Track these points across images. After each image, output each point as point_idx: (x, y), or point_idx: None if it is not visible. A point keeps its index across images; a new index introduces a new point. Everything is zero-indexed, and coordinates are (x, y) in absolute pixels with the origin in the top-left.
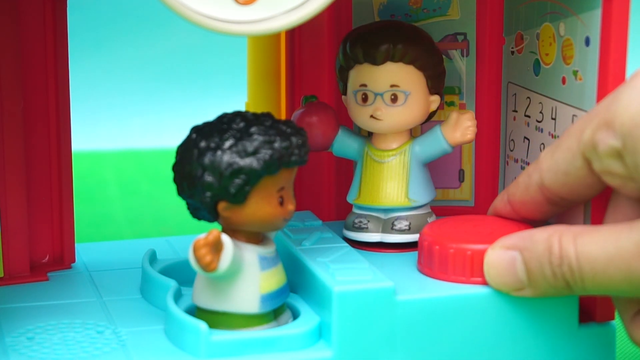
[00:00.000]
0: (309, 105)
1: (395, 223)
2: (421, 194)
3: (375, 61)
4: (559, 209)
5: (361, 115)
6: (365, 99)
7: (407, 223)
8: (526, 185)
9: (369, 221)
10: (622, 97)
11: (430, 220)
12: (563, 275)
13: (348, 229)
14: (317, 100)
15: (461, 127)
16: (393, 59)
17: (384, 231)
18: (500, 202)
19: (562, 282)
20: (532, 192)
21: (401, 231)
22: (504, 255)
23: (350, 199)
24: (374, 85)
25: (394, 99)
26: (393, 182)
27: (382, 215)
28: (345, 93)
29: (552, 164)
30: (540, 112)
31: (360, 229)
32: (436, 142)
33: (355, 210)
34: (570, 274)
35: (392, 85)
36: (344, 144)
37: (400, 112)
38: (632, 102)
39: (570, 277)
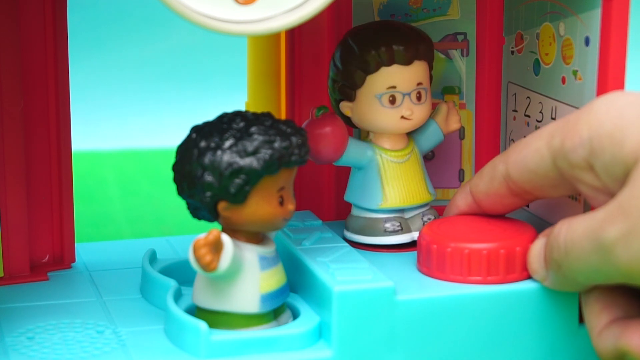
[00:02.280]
0: (322, 117)
1: (424, 218)
2: (432, 187)
3: (406, 61)
4: (522, 202)
5: (389, 117)
6: (393, 100)
7: (432, 217)
8: (491, 176)
9: (400, 223)
10: (592, 105)
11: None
12: (551, 251)
13: (377, 235)
14: (329, 111)
15: (452, 117)
16: (419, 57)
17: (414, 229)
18: (461, 193)
19: (551, 262)
20: (496, 184)
21: None
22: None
23: (374, 205)
24: (403, 86)
25: (419, 96)
26: (415, 180)
27: (404, 215)
28: (351, 99)
29: (519, 159)
30: (540, 112)
31: (395, 232)
32: (434, 134)
33: (374, 216)
34: (557, 250)
35: (418, 84)
36: (356, 153)
37: (423, 108)
38: (600, 107)
39: (557, 253)
